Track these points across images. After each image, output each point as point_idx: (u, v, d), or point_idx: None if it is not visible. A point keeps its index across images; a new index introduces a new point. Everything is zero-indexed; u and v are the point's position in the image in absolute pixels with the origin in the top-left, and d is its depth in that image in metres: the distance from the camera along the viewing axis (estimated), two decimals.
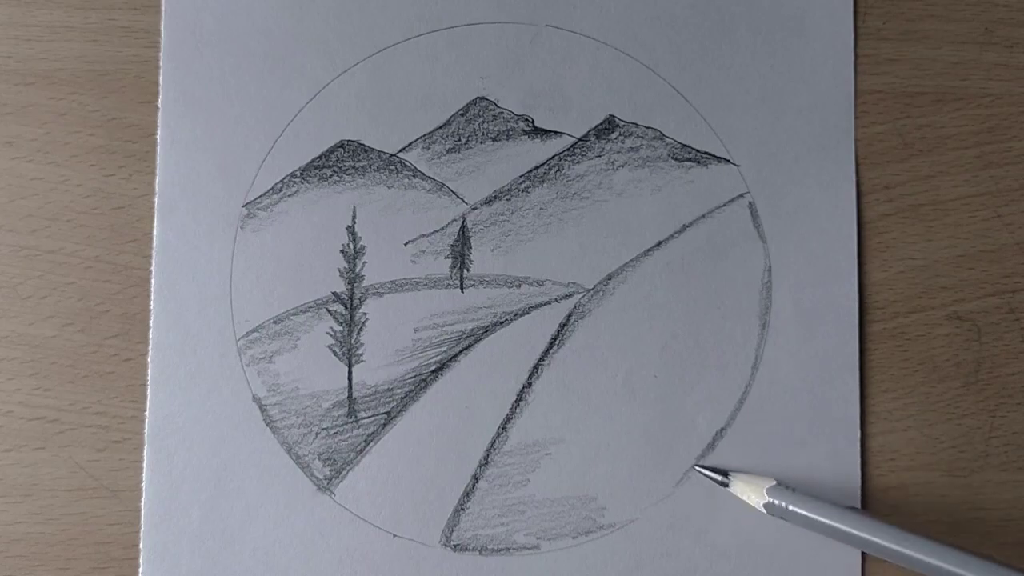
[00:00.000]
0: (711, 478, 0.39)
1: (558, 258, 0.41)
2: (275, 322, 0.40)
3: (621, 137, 0.41)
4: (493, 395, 0.40)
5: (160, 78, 0.40)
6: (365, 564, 0.39)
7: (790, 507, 0.37)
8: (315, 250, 0.40)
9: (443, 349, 0.40)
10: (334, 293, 0.40)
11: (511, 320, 0.40)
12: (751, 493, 0.38)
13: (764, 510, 0.38)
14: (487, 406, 0.40)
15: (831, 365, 0.40)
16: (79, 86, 0.40)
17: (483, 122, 0.41)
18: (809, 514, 0.37)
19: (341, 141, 0.40)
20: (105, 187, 0.40)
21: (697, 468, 0.40)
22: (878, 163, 0.41)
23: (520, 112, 0.41)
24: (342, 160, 0.40)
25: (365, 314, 0.40)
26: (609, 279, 0.41)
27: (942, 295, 0.41)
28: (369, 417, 0.40)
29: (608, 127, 0.41)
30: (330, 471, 0.39)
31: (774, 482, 0.38)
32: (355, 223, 0.40)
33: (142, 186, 0.40)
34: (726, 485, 0.39)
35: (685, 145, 0.41)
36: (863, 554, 0.40)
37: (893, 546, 0.36)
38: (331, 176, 0.40)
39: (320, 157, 0.40)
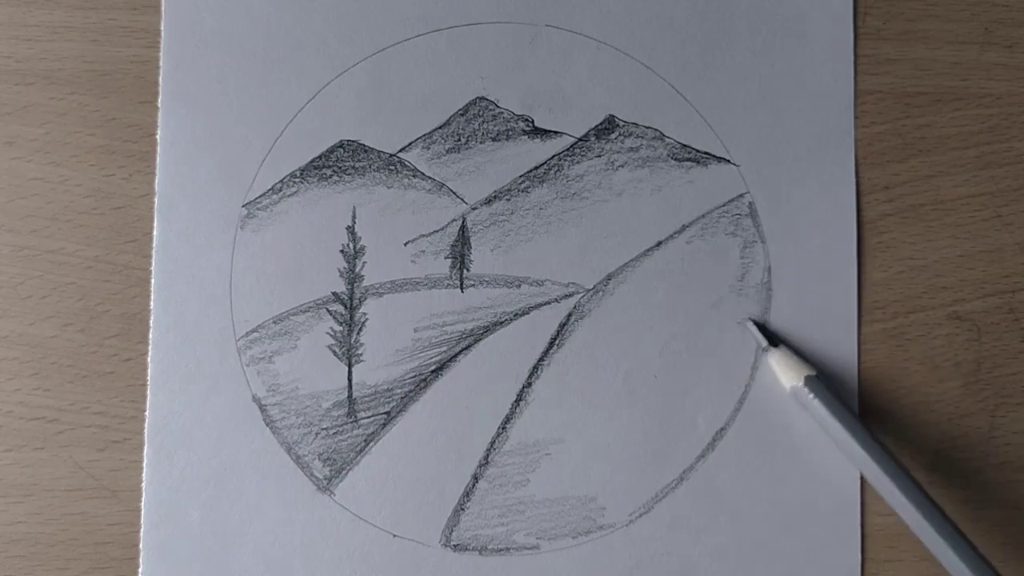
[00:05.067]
0: (756, 338, 0.40)
1: (558, 258, 0.41)
2: (275, 322, 0.40)
3: (621, 137, 0.41)
4: (493, 395, 0.40)
5: (160, 78, 0.40)
6: (365, 564, 0.39)
7: (814, 402, 0.38)
8: (315, 250, 0.40)
9: (443, 349, 0.40)
10: (334, 293, 0.40)
11: (511, 320, 0.40)
12: (787, 372, 0.39)
13: (791, 392, 0.39)
14: (487, 406, 0.40)
15: (831, 365, 0.40)
16: (79, 86, 0.40)
17: (483, 122, 0.41)
18: (825, 417, 0.38)
19: (341, 141, 0.41)
20: (105, 187, 0.40)
21: (750, 321, 0.40)
22: (878, 163, 0.41)
23: (520, 112, 0.41)
24: (342, 160, 0.40)
25: (365, 314, 0.40)
26: (609, 279, 0.41)
27: (942, 295, 0.41)
28: (369, 417, 0.40)
29: (608, 127, 0.41)
30: (330, 471, 0.39)
31: (815, 372, 0.38)
32: (355, 223, 0.40)
33: (142, 186, 0.40)
34: (766, 350, 0.39)
35: (685, 145, 0.41)
36: (863, 554, 0.40)
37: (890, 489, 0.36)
38: (331, 176, 0.40)
39: (320, 157, 0.40)
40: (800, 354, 0.40)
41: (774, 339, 0.40)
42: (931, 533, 0.35)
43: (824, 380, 0.38)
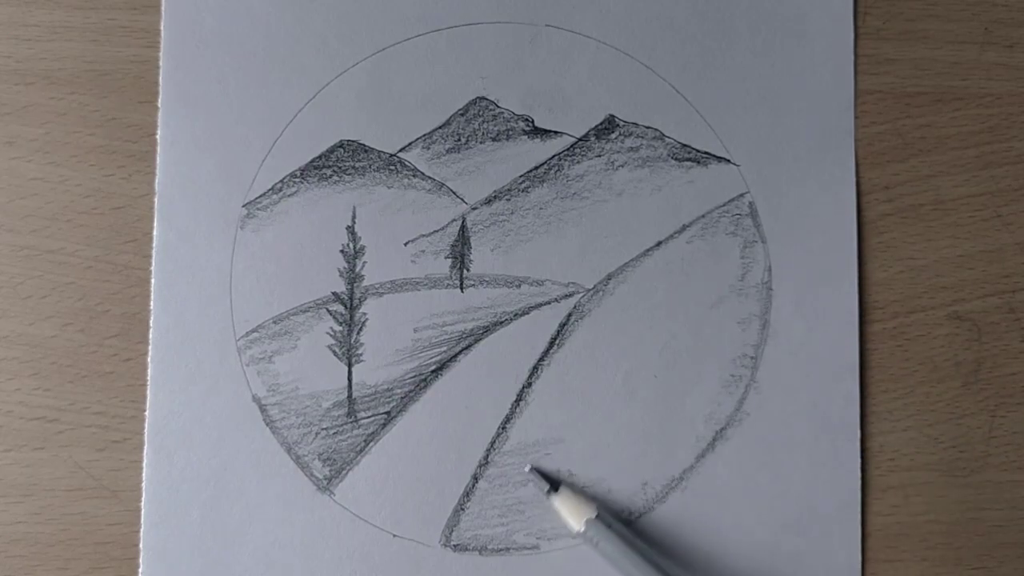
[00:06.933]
0: (538, 484, 0.39)
1: (558, 258, 0.41)
2: (275, 322, 0.40)
3: (621, 137, 0.41)
4: (493, 395, 0.40)
5: (160, 78, 0.40)
6: (365, 564, 0.39)
7: (600, 544, 0.38)
8: (315, 250, 0.40)
9: (443, 349, 0.40)
10: (334, 293, 0.40)
11: (511, 320, 0.40)
12: (572, 515, 0.38)
13: (577, 535, 0.38)
14: (487, 406, 0.40)
15: (831, 365, 0.40)
16: (79, 86, 0.40)
17: (483, 122, 0.41)
18: (612, 557, 0.37)
19: (341, 141, 0.40)
20: (105, 187, 0.40)
21: (530, 468, 0.39)
22: (878, 163, 0.41)
23: (520, 112, 0.41)
24: (342, 160, 0.40)
25: (365, 314, 0.40)
26: (609, 279, 0.41)
27: (942, 295, 0.41)
28: (369, 417, 0.40)
29: (608, 127, 0.41)
30: (330, 471, 0.39)
31: (595, 514, 0.38)
32: (355, 223, 0.40)
33: (142, 186, 0.40)
34: (547, 495, 0.39)
35: (685, 145, 0.41)
36: (863, 554, 0.40)
37: None
38: (331, 176, 0.40)
39: (320, 157, 0.40)
40: (583, 492, 0.39)
41: (555, 483, 0.39)
42: None
43: (606, 518, 0.38)
